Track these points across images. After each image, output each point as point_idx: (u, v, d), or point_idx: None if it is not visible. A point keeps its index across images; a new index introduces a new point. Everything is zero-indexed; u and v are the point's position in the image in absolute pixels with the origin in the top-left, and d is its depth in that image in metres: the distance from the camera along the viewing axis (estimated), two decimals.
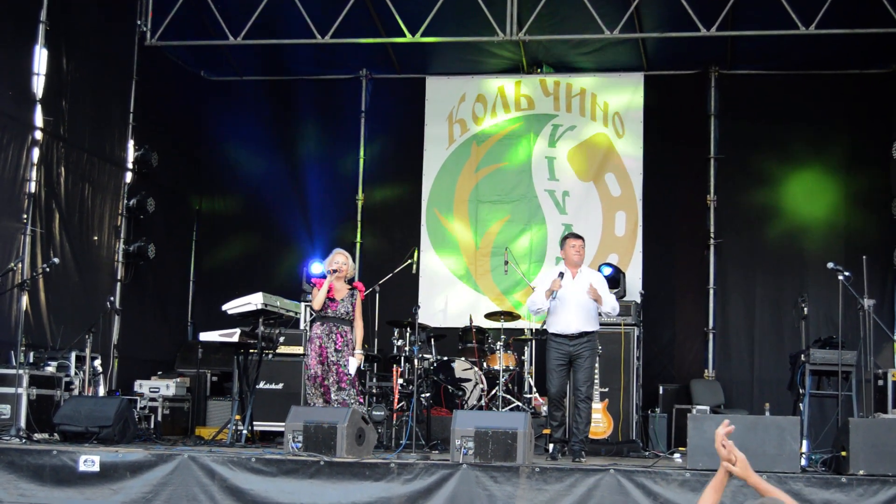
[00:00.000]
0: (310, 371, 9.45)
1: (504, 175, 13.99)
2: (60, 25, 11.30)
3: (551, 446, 9.18)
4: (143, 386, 11.62)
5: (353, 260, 13.77)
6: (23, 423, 9.33)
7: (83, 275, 11.74)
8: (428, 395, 10.47)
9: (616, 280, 12.35)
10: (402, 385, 10.48)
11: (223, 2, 12.13)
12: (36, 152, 10.96)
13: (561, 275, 9.21)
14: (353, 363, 9.45)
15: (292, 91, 14.62)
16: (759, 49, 13.08)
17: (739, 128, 13.56)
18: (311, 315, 9.49)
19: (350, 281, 9.78)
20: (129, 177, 12.70)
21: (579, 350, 9.12)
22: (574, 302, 9.17)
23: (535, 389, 11.73)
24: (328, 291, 9.50)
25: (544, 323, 9.55)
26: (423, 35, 12.00)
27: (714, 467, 7.51)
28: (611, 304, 9.35)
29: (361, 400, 9.68)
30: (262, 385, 11.04)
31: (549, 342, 9.31)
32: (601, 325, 11.31)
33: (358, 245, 14.17)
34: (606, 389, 11.24)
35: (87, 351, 10.32)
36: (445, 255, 13.97)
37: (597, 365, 10.69)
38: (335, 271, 9.53)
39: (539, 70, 14.10)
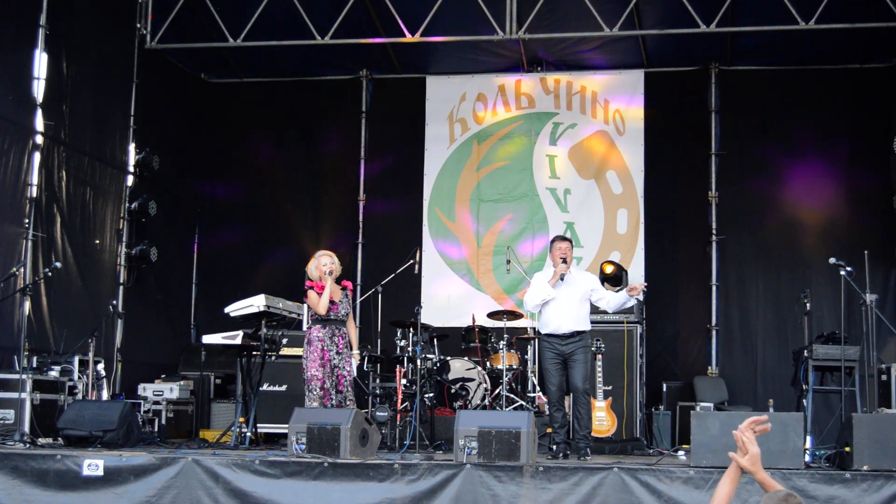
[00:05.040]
0: (306, 374, 9.22)
1: (505, 174, 13.98)
2: (60, 29, 11.30)
3: (555, 446, 9.18)
4: (146, 389, 11.60)
5: (356, 261, 13.94)
6: (26, 428, 9.34)
7: (85, 279, 11.74)
8: (431, 395, 10.47)
9: (619, 277, 12.34)
10: (405, 385, 10.47)
11: (222, 4, 12.09)
12: (37, 156, 10.95)
13: (563, 260, 9.26)
14: (354, 364, 9.43)
15: (293, 92, 14.60)
16: (759, 45, 13.08)
17: (740, 124, 13.57)
18: (314, 317, 9.40)
19: (338, 280, 9.67)
20: (130, 180, 12.70)
21: (572, 349, 9.14)
22: (566, 303, 9.22)
23: (538, 388, 11.72)
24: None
25: None
26: (422, 35, 11.99)
27: (718, 464, 7.57)
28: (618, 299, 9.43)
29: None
30: (265, 387, 11.05)
31: (542, 343, 9.34)
32: (604, 322, 11.39)
33: (360, 246, 14.17)
34: (610, 387, 11.22)
35: (91, 355, 10.31)
36: (447, 255, 13.97)
37: (600, 363, 10.70)
38: (331, 273, 9.39)
39: (539, 68, 14.09)
